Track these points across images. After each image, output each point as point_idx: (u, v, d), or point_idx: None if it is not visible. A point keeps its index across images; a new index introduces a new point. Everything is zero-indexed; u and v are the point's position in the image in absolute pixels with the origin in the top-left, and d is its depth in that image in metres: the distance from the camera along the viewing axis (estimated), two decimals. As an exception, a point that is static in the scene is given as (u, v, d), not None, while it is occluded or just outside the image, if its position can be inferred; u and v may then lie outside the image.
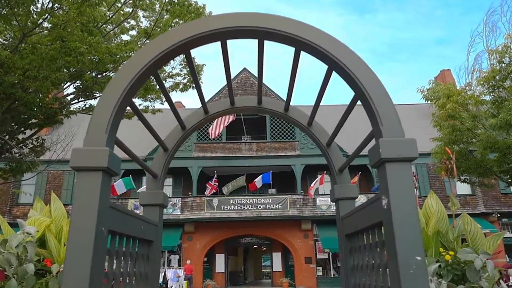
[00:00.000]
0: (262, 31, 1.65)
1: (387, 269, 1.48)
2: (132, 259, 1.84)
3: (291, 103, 2.42)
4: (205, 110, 2.44)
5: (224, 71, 2.02)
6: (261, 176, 20.69)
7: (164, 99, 15.50)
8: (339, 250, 2.23)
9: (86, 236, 1.33)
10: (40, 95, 12.06)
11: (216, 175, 21.46)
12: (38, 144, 15.07)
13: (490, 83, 13.49)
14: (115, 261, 1.64)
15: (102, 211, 1.39)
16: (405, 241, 1.31)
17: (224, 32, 1.64)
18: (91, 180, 1.40)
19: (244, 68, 25.07)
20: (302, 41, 1.63)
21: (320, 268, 21.56)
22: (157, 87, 13.86)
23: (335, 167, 2.35)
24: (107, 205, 1.45)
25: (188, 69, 15.37)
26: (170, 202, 20.98)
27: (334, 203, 2.48)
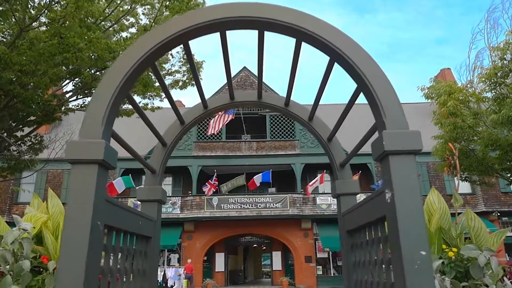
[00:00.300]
0: (262, 22, 1.60)
1: (391, 265, 1.44)
2: (130, 255, 1.80)
3: (291, 99, 2.37)
4: (204, 104, 2.40)
5: (224, 65, 1.98)
6: (260, 173, 20.64)
7: (163, 96, 15.45)
8: (340, 247, 2.19)
9: (81, 230, 1.29)
10: (39, 92, 12.01)
11: (216, 174, 21.42)
12: (36, 141, 15.03)
13: (492, 80, 13.42)
14: (111, 257, 1.60)
15: (98, 205, 1.36)
16: (410, 235, 1.28)
17: (223, 23, 1.60)
18: (87, 173, 1.37)
19: (244, 67, 25.03)
20: (303, 32, 1.59)
21: (320, 267, 21.55)
22: (156, 83, 13.80)
23: (336, 163, 2.31)
24: (103, 199, 1.41)
25: (188, 66, 15.31)
26: (170, 201, 20.95)
27: (334, 202, 2.45)
